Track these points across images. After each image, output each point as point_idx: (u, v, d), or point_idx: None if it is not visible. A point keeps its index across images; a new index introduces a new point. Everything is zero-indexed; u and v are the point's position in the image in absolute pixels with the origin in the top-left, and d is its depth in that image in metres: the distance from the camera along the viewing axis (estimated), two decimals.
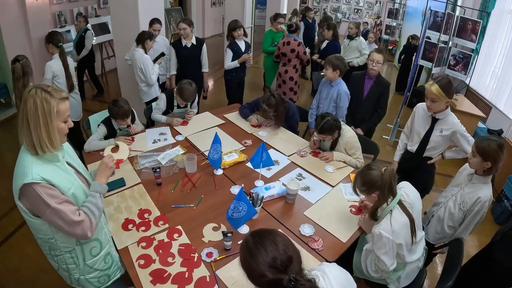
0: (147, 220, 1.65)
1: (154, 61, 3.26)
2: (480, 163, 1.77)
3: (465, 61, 4.86)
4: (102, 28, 5.29)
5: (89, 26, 4.57)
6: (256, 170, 2.12)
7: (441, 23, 4.28)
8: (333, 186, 2.15)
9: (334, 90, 2.88)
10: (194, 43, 3.44)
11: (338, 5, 12.04)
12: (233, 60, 3.64)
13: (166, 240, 1.54)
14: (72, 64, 2.98)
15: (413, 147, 2.35)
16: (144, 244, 1.50)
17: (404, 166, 2.39)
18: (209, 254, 1.48)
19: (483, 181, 1.84)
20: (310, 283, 0.96)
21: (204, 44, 3.55)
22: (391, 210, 1.57)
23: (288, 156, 2.43)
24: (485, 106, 4.42)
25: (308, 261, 1.51)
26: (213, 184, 2.02)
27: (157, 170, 1.91)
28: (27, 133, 1.11)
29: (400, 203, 1.59)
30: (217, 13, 10.08)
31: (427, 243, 2.01)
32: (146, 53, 3.13)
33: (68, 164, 1.25)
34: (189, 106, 2.86)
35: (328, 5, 12.05)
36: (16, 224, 2.62)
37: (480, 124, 4.19)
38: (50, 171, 1.14)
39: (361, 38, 4.54)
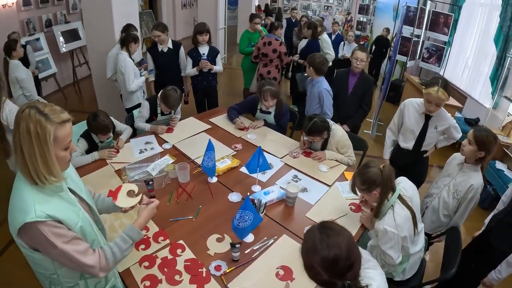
0: (145, 237, 1.55)
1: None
2: (474, 152, 1.84)
3: (438, 54, 5.07)
4: (72, 35, 5.01)
5: (29, 38, 4.23)
6: (251, 175, 2.07)
7: (414, 17, 4.44)
8: (329, 186, 2.14)
9: (315, 89, 2.90)
10: (171, 47, 3.32)
11: (308, 3, 12.18)
12: (193, 67, 3.40)
13: (169, 257, 1.45)
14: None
15: (408, 144, 2.38)
16: (146, 263, 1.41)
17: (399, 162, 2.40)
18: (218, 267, 1.42)
19: (474, 169, 1.91)
20: None
21: (182, 47, 3.43)
22: (392, 205, 1.59)
23: (281, 158, 2.40)
24: (461, 96, 4.62)
25: None
26: (209, 193, 1.95)
27: (150, 182, 1.81)
28: (21, 161, 0.96)
29: (400, 197, 1.61)
30: (188, 15, 9.90)
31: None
32: (130, 57, 2.99)
33: (71, 191, 1.11)
34: (173, 112, 2.75)
35: (298, 3, 12.15)
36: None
37: (457, 114, 4.38)
38: (55, 204, 0.99)
39: (324, 36, 4.38)
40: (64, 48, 4.82)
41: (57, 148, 0.99)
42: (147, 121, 2.68)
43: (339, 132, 2.46)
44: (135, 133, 2.75)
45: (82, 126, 2.50)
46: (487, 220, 1.96)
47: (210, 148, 1.92)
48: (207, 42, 3.36)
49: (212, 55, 3.44)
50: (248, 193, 1.77)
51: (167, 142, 2.47)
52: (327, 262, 0.96)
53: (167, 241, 1.55)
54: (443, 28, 4.64)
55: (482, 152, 1.82)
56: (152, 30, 3.20)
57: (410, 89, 5.28)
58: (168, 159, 2.23)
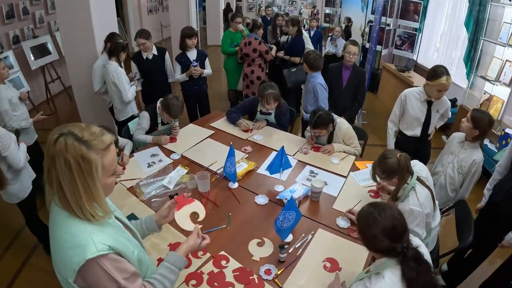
0: None
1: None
2: (470, 129, 2.01)
3: (410, 40, 5.35)
4: (41, 50, 4.66)
5: None
6: (271, 176, 2.06)
7: (385, 7, 4.64)
8: (345, 177, 2.20)
9: (311, 84, 2.95)
10: (156, 53, 3.20)
11: None
12: (182, 72, 3.29)
13: (215, 270, 1.40)
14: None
15: (415, 132, 2.50)
16: (194, 282, 1.35)
17: (409, 150, 2.50)
18: (268, 272, 1.40)
19: (474, 146, 2.07)
20: (415, 250, 1.15)
21: (167, 52, 3.32)
22: (413, 187, 1.71)
23: (293, 155, 2.41)
24: None
25: (358, 250, 1.57)
26: (233, 199, 1.91)
27: (176, 197, 1.73)
28: (62, 199, 0.83)
29: (418, 179, 1.73)
30: (155, 20, 9.62)
31: None
32: (120, 66, 2.84)
33: (115, 217, 1.00)
34: (173, 121, 2.67)
35: (262, 0, 12.20)
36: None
37: None
38: (110, 234, 0.88)
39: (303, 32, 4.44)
40: (34, 64, 4.48)
41: (104, 177, 0.87)
42: (147, 133, 2.58)
43: (344, 124, 2.52)
44: (135, 147, 2.63)
45: None
46: (486, 191, 2.11)
47: (231, 153, 1.88)
48: (195, 46, 3.30)
49: (201, 58, 3.37)
50: (292, 195, 1.76)
51: (174, 152, 2.39)
52: (387, 229, 1.14)
53: (208, 254, 1.50)
54: (413, 16, 4.90)
55: (476, 130, 1.98)
56: (135, 38, 3.06)
57: (387, 76, 5.52)
58: (181, 170, 2.16)
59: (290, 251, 1.53)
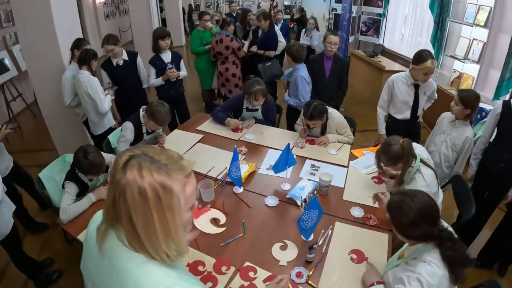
0: (206, 273, 1.38)
1: None
2: (462, 110, 2.10)
3: (375, 26, 5.51)
4: None
5: None
6: (276, 175, 2.00)
7: None
8: (346, 167, 2.20)
9: (294, 76, 2.92)
10: (126, 58, 2.98)
11: None
12: (157, 76, 3.09)
13: (245, 283, 1.32)
14: None
15: (405, 115, 2.57)
16: None
17: (400, 132, 2.58)
18: (299, 274, 1.36)
19: (464, 124, 2.18)
20: (447, 231, 1.18)
21: (138, 56, 3.10)
22: (418, 169, 1.76)
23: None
24: (404, 61, 5.09)
25: (378, 237, 1.58)
26: (242, 204, 1.83)
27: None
28: (131, 237, 0.69)
29: (421, 160, 1.78)
30: (113, 25, 9.10)
31: None
32: (93, 75, 2.60)
33: None
34: (157, 129, 2.50)
35: None
36: None
37: None
38: (185, 280, 0.74)
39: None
40: None
41: (185, 209, 0.73)
42: (131, 144, 2.40)
43: (336, 114, 2.52)
44: None
45: (54, 168, 2.15)
46: (473, 161, 2.24)
47: (236, 157, 1.79)
48: (169, 47, 3.12)
49: (176, 60, 3.21)
50: (316, 194, 1.71)
51: None
52: (423, 213, 1.15)
53: (232, 268, 1.40)
54: (377, 2, 5.05)
55: (468, 109, 2.09)
56: (102, 45, 2.81)
57: (356, 62, 5.66)
58: None
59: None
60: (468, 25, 3.50)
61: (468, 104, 2.07)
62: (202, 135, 2.59)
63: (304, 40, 4.89)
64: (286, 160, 1.87)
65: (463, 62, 3.58)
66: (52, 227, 2.63)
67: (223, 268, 1.39)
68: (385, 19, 5.34)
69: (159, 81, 3.14)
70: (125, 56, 2.96)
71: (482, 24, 3.28)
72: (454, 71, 3.79)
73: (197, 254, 1.47)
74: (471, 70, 3.53)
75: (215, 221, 1.20)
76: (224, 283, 1.33)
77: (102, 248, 0.73)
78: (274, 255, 1.47)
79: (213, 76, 4.32)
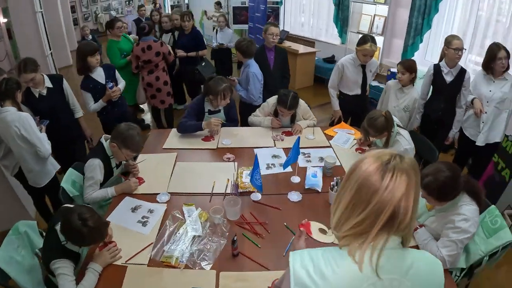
0: None
1: None
2: (409, 77, 2.55)
3: (274, 14, 5.86)
4: None
5: None
6: (278, 172, 2.06)
7: None
8: (330, 146, 2.40)
9: (245, 71, 2.94)
10: (50, 85, 2.41)
11: (108, 3, 11.06)
12: (96, 100, 2.66)
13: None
14: None
15: (356, 91, 2.91)
16: None
17: (351, 107, 2.99)
18: None
19: (411, 88, 2.65)
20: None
21: (64, 80, 2.53)
22: (398, 132, 2.08)
23: (276, 147, 2.41)
24: (308, 42, 5.64)
25: None
26: (271, 209, 1.79)
27: (235, 239, 1.46)
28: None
29: (397, 124, 2.11)
30: None
31: None
32: (21, 109, 2.00)
33: None
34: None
35: (97, 6, 10.83)
36: None
37: (316, 57, 5.39)
38: None
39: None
40: None
41: None
42: (101, 185, 2.00)
43: (301, 101, 2.67)
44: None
45: (9, 247, 1.58)
46: (417, 115, 2.73)
47: (257, 163, 1.73)
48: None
49: (110, 74, 2.75)
50: (331, 183, 1.82)
51: (157, 193, 1.94)
52: (455, 176, 1.38)
53: None
54: None
55: (413, 74, 2.55)
56: (19, 74, 2.17)
57: None
58: (191, 209, 1.80)
59: None
60: (370, 4, 4.15)
61: (412, 69, 2.52)
62: (175, 153, 2.35)
63: (218, 40, 4.65)
64: (296, 154, 1.91)
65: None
66: None
67: None
68: (283, 6, 5.75)
69: (101, 103, 2.67)
70: (48, 83, 2.37)
71: (382, 1, 3.95)
72: None
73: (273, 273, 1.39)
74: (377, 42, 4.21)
75: (323, 231, 1.28)
76: None
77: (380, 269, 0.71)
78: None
79: (136, 89, 3.87)
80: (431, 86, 2.63)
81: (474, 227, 1.38)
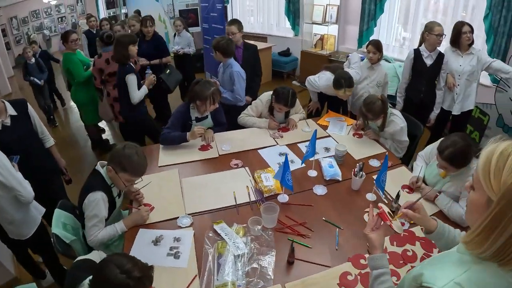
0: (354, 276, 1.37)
1: None
2: (378, 55, 2.74)
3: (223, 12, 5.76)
4: None
5: None
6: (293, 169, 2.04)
7: None
8: (328, 135, 2.48)
9: (227, 71, 2.85)
10: (14, 113, 2.01)
11: (39, 22, 10.11)
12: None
13: (363, 271, 1.41)
14: None
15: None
16: None
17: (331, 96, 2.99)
18: (403, 224, 1.62)
19: (379, 65, 2.85)
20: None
21: (28, 105, 2.14)
22: (391, 112, 2.27)
23: (279, 145, 2.40)
24: (260, 38, 5.67)
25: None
26: (305, 208, 1.78)
27: (293, 246, 1.43)
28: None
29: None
30: None
31: None
32: None
33: None
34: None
35: (29, 26, 9.87)
36: None
37: (273, 51, 5.45)
38: None
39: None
40: None
41: None
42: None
43: None
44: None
45: None
46: (399, 98, 2.97)
47: (287, 163, 1.69)
48: None
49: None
50: (354, 170, 1.88)
51: (175, 218, 1.76)
52: (469, 142, 1.58)
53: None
54: None
55: (379, 53, 2.75)
56: None
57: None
58: (223, 227, 1.68)
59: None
60: None
61: (379, 47, 2.73)
62: (176, 169, 2.17)
63: (177, 46, 4.34)
64: (314, 147, 1.93)
65: (326, 26, 4.41)
66: None
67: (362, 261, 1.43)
68: (229, 5, 5.67)
69: (144, 89, 2.81)
70: (11, 110, 1.97)
71: None
72: (315, 35, 4.63)
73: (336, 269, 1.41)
74: (331, 30, 4.43)
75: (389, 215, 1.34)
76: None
77: None
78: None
79: (97, 106, 3.49)
80: (411, 71, 2.85)
81: None
